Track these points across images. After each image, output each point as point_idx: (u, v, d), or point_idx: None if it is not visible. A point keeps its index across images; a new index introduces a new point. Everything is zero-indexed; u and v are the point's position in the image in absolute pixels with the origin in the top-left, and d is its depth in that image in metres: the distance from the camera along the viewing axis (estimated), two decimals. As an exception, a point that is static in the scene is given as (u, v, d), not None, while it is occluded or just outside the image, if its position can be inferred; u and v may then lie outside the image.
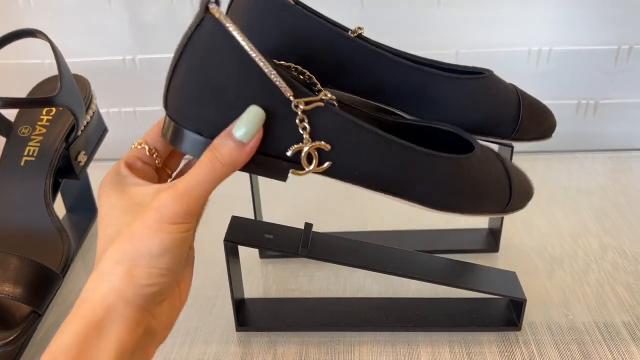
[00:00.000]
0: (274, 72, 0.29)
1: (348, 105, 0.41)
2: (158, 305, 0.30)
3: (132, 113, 0.80)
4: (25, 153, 0.51)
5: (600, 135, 0.77)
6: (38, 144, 0.51)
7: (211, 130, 0.30)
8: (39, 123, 0.53)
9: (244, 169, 0.31)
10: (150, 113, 0.79)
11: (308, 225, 0.45)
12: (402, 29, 0.71)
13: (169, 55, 0.82)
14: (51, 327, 0.49)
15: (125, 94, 0.78)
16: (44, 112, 0.54)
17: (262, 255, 0.56)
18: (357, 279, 0.53)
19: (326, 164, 0.33)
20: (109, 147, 0.76)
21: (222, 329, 0.48)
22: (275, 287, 0.53)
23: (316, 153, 0.32)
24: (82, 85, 0.55)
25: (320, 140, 0.32)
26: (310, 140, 0.32)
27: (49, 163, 0.50)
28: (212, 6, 0.29)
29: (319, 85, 0.37)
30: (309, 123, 0.31)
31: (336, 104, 0.34)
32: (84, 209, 0.62)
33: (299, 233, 0.44)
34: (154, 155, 0.34)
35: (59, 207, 0.59)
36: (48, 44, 0.49)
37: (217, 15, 0.28)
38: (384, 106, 0.44)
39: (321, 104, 0.32)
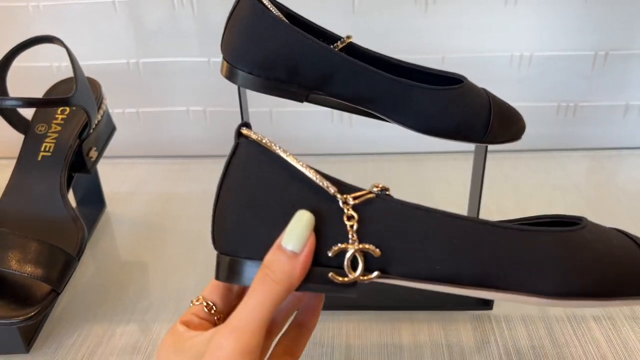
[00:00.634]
0: (318, 174, 0.28)
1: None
2: None
3: (136, 114, 0.84)
4: (42, 149, 0.55)
5: (579, 136, 0.81)
6: (54, 141, 0.56)
7: (263, 252, 0.28)
8: (54, 122, 0.57)
9: (300, 288, 0.28)
10: (152, 114, 0.83)
11: None
12: (391, 35, 0.75)
13: (170, 59, 0.88)
14: (66, 306, 0.54)
15: (129, 95, 0.82)
16: (59, 112, 0.58)
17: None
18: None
19: (374, 274, 0.28)
20: (114, 146, 0.80)
21: (222, 310, 0.53)
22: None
23: (362, 257, 0.28)
24: (94, 87, 0.60)
25: (369, 241, 0.28)
26: (357, 241, 0.28)
27: (64, 158, 0.55)
28: (244, 129, 0.30)
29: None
30: (358, 220, 0.28)
31: (389, 193, 0.30)
32: (93, 202, 0.67)
33: None
34: (212, 311, 0.31)
35: (70, 201, 0.63)
36: (55, 49, 0.54)
37: (250, 135, 0.29)
38: (365, 110, 0.49)
39: (372, 195, 0.29)
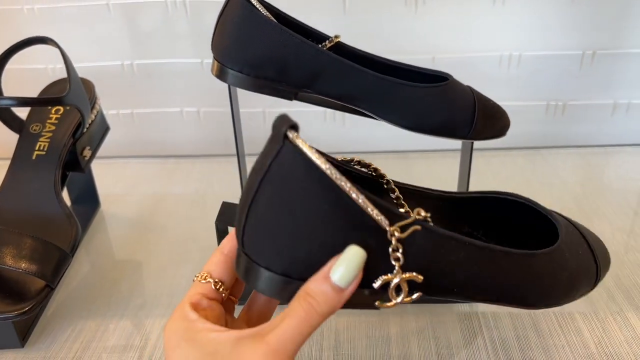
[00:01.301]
0: (367, 200, 0.26)
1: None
2: None
3: (130, 115, 0.85)
4: (37, 148, 0.56)
5: (567, 134, 0.82)
6: (48, 140, 0.57)
7: (300, 271, 0.27)
8: (48, 121, 0.58)
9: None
10: (146, 115, 0.84)
11: None
12: (382, 36, 0.76)
13: (164, 61, 0.89)
14: (61, 303, 0.55)
15: (123, 97, 0.83)
16: (52, 112, 0.59)
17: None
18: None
19: (416, 295, 0.29)
20: (108, 147, 0.81)
21: (214, 304, 0.54)
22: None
23: (406, 284, 0.29)
24: (87, 87, 0.61)
25: (412, 270, 0.28)
26: (401, 271, 0.28)
27: (58, 157, 0.55)
28: (291, 135, 0.26)
29: (386, 177, 0.36)
30: (402, 252, 0.28)
31: (429, 220, 0.30)
32: (88, 201, 0.68)
33: None
34: (220, 289, 0.31)
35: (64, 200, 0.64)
36: (50, 52, 0.55)
37: (299, 145, 0.26)
38: (354, 107, 0.50)
39: (418, 227, 0.28)
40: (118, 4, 0.76)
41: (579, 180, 0.73)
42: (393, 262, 0.28)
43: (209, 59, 0.80)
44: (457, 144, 0.60)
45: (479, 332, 0.49)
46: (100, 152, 0.65)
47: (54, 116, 0.59)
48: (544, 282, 0.33)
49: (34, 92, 0.64)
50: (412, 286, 0.29)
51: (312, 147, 0.26)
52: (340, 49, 0.52)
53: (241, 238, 0.28)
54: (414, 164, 0.79)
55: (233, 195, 0.67)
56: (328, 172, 0.26)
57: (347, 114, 0.80)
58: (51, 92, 0.61)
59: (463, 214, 0.41)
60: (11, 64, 0.57)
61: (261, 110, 0.83)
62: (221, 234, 0.50)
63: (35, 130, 0.58)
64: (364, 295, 0.28)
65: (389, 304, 0.29)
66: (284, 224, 0.27)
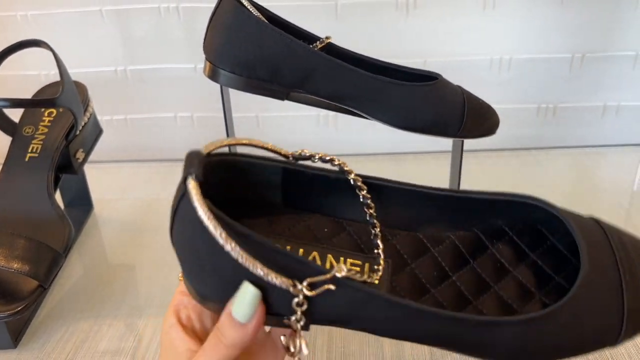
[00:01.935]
0: (263, 267, 0.25)
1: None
2: None
3: (124, 120, 0.85)
4: (29, 150, 0.56)
5: (558, 136, 0.83)
6: (41, 142, 0.57)
7: (214, 299, 0.28)
8: (41, 124, 0.59)
9: None
10: (140, 120, 0.85)
11: None
12: (374, 40, 0.77)
13: (157, 66, 0.89)
14: (54, 304, 0.54)
15: (117, 102, 0.83)
16: (45, 114, 0.60)
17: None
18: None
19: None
20: (103, 151, 0.81)
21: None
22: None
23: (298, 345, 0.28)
24: (80, 90, 0.61)
25: (318, 320, 0.27)
26: (303, 319, 0.27)
27: (51, 159, 0.56)
28: (189, 184, 0.26)
29: (353, 174, 0.32)
30: (308, 307, 0.26)
31: (354, 277, 0.27)
32: (81, 204, 0.68)
33: None
34: None
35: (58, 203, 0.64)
36: (43, 58, 0.55)
37: (192, 197, 0.26)
38: (345, 107, 0.50)
39: (331, 286, 0.26)
40: (111, 10, 0.77)
41: (570, 181, 0.74)
42: (296, 311, 0.26)
43: (202, 64, 0.80)
44: (448, 145, 0.61)
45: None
46: (94, 156, 0.65)
47: (47, 118, 0.59)
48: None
49: (27, 97, 0.64)
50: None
51: (205, 202, 0.25)
52: (331, 49, 0.53)
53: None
54: (405, 166, 0.79)
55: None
56: (213, 232, 0.25)
57: (339, 117, 0.82)
58: (44, 95, 0.61)
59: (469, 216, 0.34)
60: (4, 70, 0.58)
61: (254, 115, 0.83)
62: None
63: (28, 132, 0.58)
64: (277, 320, 0.28)
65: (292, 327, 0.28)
66: (190, 258, 0.28)
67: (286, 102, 0.51)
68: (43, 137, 0.57)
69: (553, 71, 0.79)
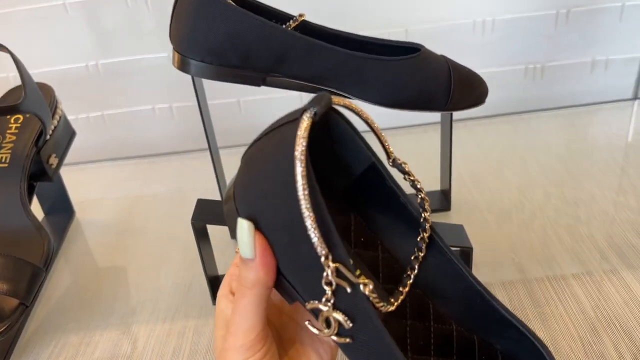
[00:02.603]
0: (314, 225, 0.25)
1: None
2: None
3: (101, 117, 0.82)
4: (-2, 160, 0.54)
5: (548, 96, 0.81)
6: (9, 151, 0.54)
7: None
8: (8, 131, 0.56)
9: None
10: (118, 115, 0.82)
11: None
12: (352, 12, 0.74)
13: (130, 58, 0.86)
14: (42, 322, 0.52)
15: (91, 99, 0.81)
16: (12, 121, 0.57)
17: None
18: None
19: (345, 340, 0.27)
20: (80, 152, 0.78)
21: (200, 305, 0.52)
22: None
23: (336, 323, 0.26)
24: (46, 92, 0.58)
25: (342, 312, 0.26)
26: (332, 308, 0.26)
27: (22, 168, 0.53)
28: (307, 113, 0.25)
29: (423, 194, 0.31)
30: (333, 292, 0.26)
31: (373, 297, 0.27)
32: (61, 211, 0.65)
33: None
34: None
35: (37, 212, 0.62)
36: (8, 58, 0.52)
37: (298, 138, 0.25)
38: (326, 88, 0.48)
39: (348, 288, 0.26)
40: (75, 3, 0.73)
41: (563, 142, 0.72)
42: (325, 289, 0.26)
43: (175, 51, 0.78)
44: (437, 116, 0.59)
45: (474, 307, 0.48)
46: (72, 158, 0.62)
47: (14, 125, 0.56)
48: None
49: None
50: (343, 330, 0.27)
51: (306, 140, 0.25)
52: (306, 27, 0.50)
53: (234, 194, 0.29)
54: (396, 141, 0.77)
55: (211, 191, 0.65)
56: (298, 170, 0.25)
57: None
58: (8, 100, 0.58)
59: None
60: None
61: (235, 100, 0.80)
62: (198, 232, 0.48)
63: (-5, 142, 0.55)
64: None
65: (315, 330, 0.27)
66: (255, 175, 0.27)
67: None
68: (11, 145, 0.54)
69: (538, 29, 0.77)
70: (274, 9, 0.50)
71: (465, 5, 0.75)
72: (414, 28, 0.76)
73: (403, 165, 0.31)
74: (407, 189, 0.32)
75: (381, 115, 0.71)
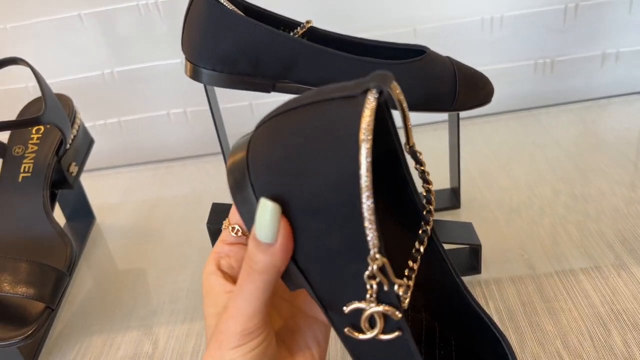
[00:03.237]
0: (373, 217, 0.23)
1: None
2: None
3: (117, 123, 0.84)
4: (22, 170, 0.56)
5: (559, 91, 0.81)
6: (32, 161, 0.56)
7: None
8: (30, 142, 0.58)
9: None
10: (134, 121, 0.84)
11: None
12: (359, 13, 0.74)
13: (144, 65, 0.87)
14: (67, 324, 0.55)
15: (108, 106, 0.83)
16: (33, 132, 0.59)
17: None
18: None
19: (393, 335, 0.25)
20: (98, 158, 0.81)
21: (217, 306, 0.54)
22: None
23: (382, 318, 0.25)
24: (65, 102, 0.60)
25: (389, 303, 0.25)
26: (375, 302, 0.25)
27: (44, 177, 0.55)
28: (374, 92, 0.23)
29: (430, 186, 0.30)
30: (378, 283, 0.24)
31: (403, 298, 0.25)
32: (82, 216, 0.67)
33: None
34: (238, 234, 0.31)
35: (59, 218, 0.64)
36: (27, 69, 0.54)
37: (364, 117, 0.23)
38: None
39: (386, 286, 0.24)
40: (90, 14, 0.75)
41: (573, 137, 0.72)
42: (367, 287, 0.24)
43: (188, 57, 0.80)
44: (445, 115, 0.59)
45: (485, 303, 0.49)
46: (90, 165, 0.64)
47: (35, 136, 0.58)
48: None
49: (16, 112, 0.63)
50: (390, 323, 0.25)
51: (370, 136, 0.22)
52: (314, 34, 0.51)
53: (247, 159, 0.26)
54: (403, 141, 0.78)
55: (226, 194, 0.67)
56: (363, 154, 0.22)
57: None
58: (29, 112, 0.60)
59: None
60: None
61: (248, 103, 0.82)
62: (214, 235, 0.49)
63: (18, 152, 0.57)
64: (339, 323, 0.26)
65: (360, 335, 0.26)
66: (294, 162, 0.24)
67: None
68: (34, 155, 0.57)
69: (547, 24, 0.77)
70: (282, 16, 0.51)
71: (473, 3, 0.75)
72: (422, 27, 0.76)
73: (419, 154, 0.29)
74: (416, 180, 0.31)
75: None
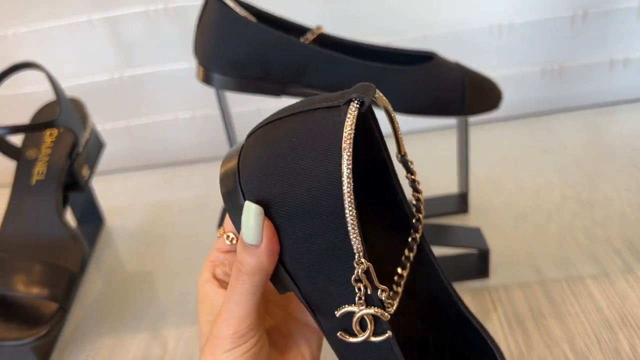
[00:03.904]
0: (356, 222, 0.24)
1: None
2: None
3: (126, 127, 0.85)
4: (35, 173, 0.57)
5: (567, 97, 0.82)
6: (45, 164, 0.57)
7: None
8: (43, 145, 0.59)
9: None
10: (142, 125, 0.84)
11: None
12: (368, 18, 0.75)
13: (153, 69, 0.88)
14: (77, 326, 0.55)
15: (117, 110, 0.83)
16: (47, 135, 0.60)
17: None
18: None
19: (386, 335, 0.26)
20: (107, 161, 0.81)
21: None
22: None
23: (372, 320, 0.26)
24: (77, 107, 0.61)
25: (377, 305, 0.26)
26: (365, 304, 0.26)
27: (57, 179, 0.56)
28: (355, 103, 0.25)
29: (420, 195, 0.30)
30: (365, 284, 0.25)
31: (387, 304, 0.26)
32: (92, 219, 0.68)
33: None
34: (233, 242, 0.31)
35: (70, 221, 0.65)
36: (39, 74, 0.55)
37: (346, 124, 0.24)
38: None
39: (369, 290, 0.25)
40: (101, 19, 0.76)
41: (580, 143, 0.73)
42: (356, 290, 0.25)
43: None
44: (453, 120, 0.60)
45: (492, 308, 0.49)
46: (99, 168, 0.65)
47: (49, 139, 0.59)
48: None
49: (27, 116, 0.64)
50: (380, 324, 0.26)
51: (350, 144, 0.24)
52: (324, 39, 0.52)
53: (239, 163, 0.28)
54: (413, 145, 0.78)
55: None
56: (345, 164, 0.24)
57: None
58: (43, 116, 0.61)
59: None
60: (2, 90, 0.58)
61: (255, 108, 0.83)
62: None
63: (31, 155, 0.58)
64: (332, 328, 0.27)
65: (351, 338, 0.27)
66: (281, 168, 0.25)
67: (285, 92, 0.50)
68: (47, 158, 0.57)
69: (555, 31, 0.77)
70: (292, 22, 0.52)
71: (482, 9, 0.76)
72: (430, 32, 0.77)
73: (410, 163, 0.30)
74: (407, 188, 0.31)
75: (399, 119, 0.73)
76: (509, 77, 0.80)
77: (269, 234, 0.26)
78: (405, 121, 0.78)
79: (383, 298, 0.26)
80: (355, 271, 0.25)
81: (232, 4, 0.47)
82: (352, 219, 0.24)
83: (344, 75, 0.49)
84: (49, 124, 0.52)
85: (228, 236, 0.31)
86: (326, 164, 0.24)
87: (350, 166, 0.24)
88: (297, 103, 0.27)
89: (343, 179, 0.24)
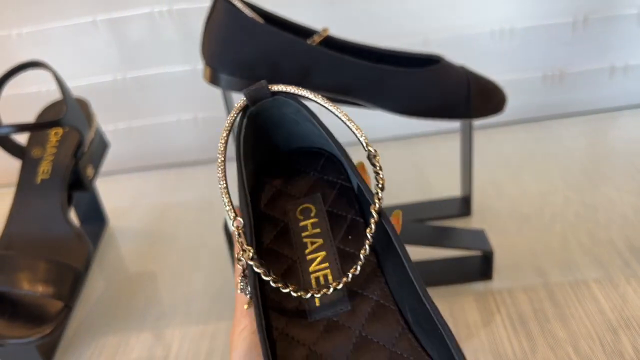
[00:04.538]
0: (225, 187, 0.31)
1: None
2: None
3: (128, 129, 0.85)
4: (40, 172, 0.57)
5: (567, 102, 0.82)
6: (51, 163, 0.57)
7: None
8: (49, 144, 0.59)
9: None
10: (144, 127, 0.84)
11: None
12: (372, 21, 0.76)
13: (156, 71, 0.88)
14: (81, 325, 0.55)
15: (119, 111, 0.83)
16: (52, 134, 0.60)
17: None
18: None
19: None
20: (110, 162, 0.81)
21: (231, 308, 0.54)
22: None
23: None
24: (82, 106, 0.61)
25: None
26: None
27: (62, 179, 0.56)
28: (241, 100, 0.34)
29: (380, 183, 0.32)
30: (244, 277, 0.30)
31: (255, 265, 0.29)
32: (95, 219, 0.68)
33: None
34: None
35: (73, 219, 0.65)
36: (43, 73, 0.55)
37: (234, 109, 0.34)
38: (349, 99, 0.50)
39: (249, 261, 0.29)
40: (105, 20, 0.76)
41: (583, 147, 0.73)
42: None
43: (200, 64, 0.81)
44: (457, 124, 0.60)
45: (496, 310, 0.49)
46: (102, 169, 0.65)
47: (54, 139, 0.59)
48: None
49: (31, 116, 0.64)
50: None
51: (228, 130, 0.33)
52: (330, 42, 0.52)
53: None
54: (414, 149, 0.79)
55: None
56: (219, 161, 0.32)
57: (344, 107, 0.81)
58: (48, 115, 0.61)
59: None
60: (5, 90, 0.58)
61: (258, 110, 0.83)
62: (230, 238, 0.50)
63: (37, 154, 0.58)
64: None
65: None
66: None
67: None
68: (52, 157, 0.58)
69: (556, 37, 0.78)
70: (300, 25, 0.52)
71: (483, 14, 0.76)
72: (432, 37, 0.77)
73: (375, 157, 0.33)
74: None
75: (403, 123, 0.74)
76: (510, 82, 0.80)
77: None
78: (409, 124, 0.79)
79: (244, 259, 0.29)
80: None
81: (240, 5, 0.47)
82: (222, 185, 0.31)
83: (350, 77, 0.49)
84: (55, 123, 0.52)
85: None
86: None
87: (222, 147, 0.32)
88: None
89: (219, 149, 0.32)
